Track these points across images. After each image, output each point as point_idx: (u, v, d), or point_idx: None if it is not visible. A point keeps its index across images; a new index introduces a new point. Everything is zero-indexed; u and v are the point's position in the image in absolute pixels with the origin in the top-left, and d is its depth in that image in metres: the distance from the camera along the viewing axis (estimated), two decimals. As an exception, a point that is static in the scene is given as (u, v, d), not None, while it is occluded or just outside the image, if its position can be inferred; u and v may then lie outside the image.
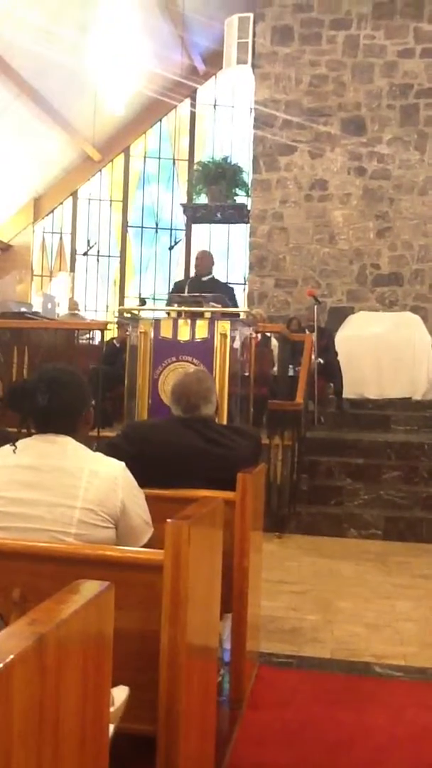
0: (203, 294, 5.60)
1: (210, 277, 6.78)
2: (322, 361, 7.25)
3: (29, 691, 0.86)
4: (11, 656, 0.81)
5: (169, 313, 5.51)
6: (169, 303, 5.86)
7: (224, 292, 6.23)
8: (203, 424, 2.66)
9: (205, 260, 6.78)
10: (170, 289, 7.43)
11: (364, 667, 3.04)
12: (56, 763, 0.96)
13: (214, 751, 1.93)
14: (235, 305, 6.55)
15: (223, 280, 8.37)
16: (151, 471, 2.29)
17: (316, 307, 7.32)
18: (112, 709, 1.36)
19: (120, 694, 1.51)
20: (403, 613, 3.76)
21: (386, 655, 3.16)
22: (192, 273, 7.04)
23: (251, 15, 10.04)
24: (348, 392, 7.92)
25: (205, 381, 2.76)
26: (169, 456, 2.56)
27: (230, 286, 7.55)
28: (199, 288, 6.17)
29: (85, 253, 13.12)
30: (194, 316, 5.28)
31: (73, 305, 10.68)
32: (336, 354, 7.72)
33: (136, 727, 1.57)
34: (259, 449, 2.88)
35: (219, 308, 5.43)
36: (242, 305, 10.10)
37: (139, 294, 12.73)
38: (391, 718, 2.56)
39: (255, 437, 2.90)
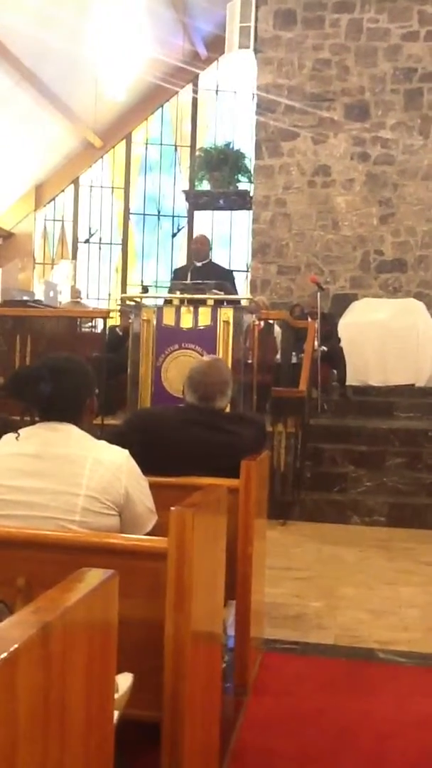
0: (207, 281, 5.59)
1: (207, 261, 6.75)
2: (325, 348, 7.23)
3: (34, 679, 0.86)
4: (16, 645, 0.81)
5: (171, 301, 5.50)
6: (171, 290, 5.84)
7: (223, 276, 6.20)
8: (210, 413, 2.66)
9: (204, 245, 6.75)
10: (171, 277, 7.41)
11: (368, 653, 3.05)
12: (62, 751, 0.96)
13: (219, 737, 1.94)
14: (235, 289, 6.52)
15: (223, 265, 8.33)
16: (156, 459, 2.29)
17: (319, 293, 7.29)
18: (116, 696, 1.37)
19: (124, 681, 1.52)
20: (407, 600, 3.76)
21: (390, 641, 3.17)
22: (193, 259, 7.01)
23: (253, -1, 9.94)
24: (351, 379, 7.91)
25: (224, 373, 2.75)
26: (174, 444, 2.56)
27: (229, 270, 7.51)
28: (198, 274, 6.15)
29: (87, 241, 13.09)
30: (197, 304, 5.27)
31: (76, 293, 10.67)
32: (339, 341, 7.70)
33: (141, 713, 1.58)
34: (263, 436, 2.87)
35: (222, 295, 5.42)
36: (245, 292, 10.08)
37: (142, 281, 12.71)
38: (396, 704, 2.57)
39: (259, 424, 2.90)
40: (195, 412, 2.66)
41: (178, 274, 6.80)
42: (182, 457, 2.51)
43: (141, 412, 3.01)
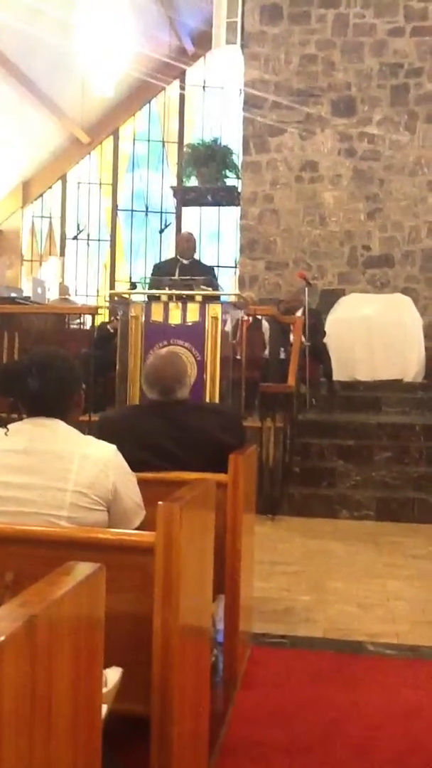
0: (194, 277, 5.59)
1: (192, 259, 6.77)
2: (309, 343, 7.23)
3: (20, 672, 0.86)
4: (1, 637, 0.81)
5: (159, 297, 5.49)
6: (153, 286, 5.84)
7: (207, 274, 6.23)
8: (172, 408, 2.67)
9: (192, 242, 6.79)
10: (152, 272, 7.36)
11: (356, 646, 3.06)
12: (48, 745, 0.96)
13: (208, 731, 1.95)
14: (216, 286, 6.55)
15: (211, 263, 8.35)
16: (135, 462, 2.27)
17: (306, 289, 7.30)
18: (105, 690, 1.37)
19: (113, 674, 1.52)
20: (395, 593, 3.79)
21: (378, 633, 3.19)
22: (178, 256, 7.01)
23: (240, -6, 9.92)
24: (339, 374, 7.92)
25: (177, 363, 2.76)
26: (141, 445, 2.54)
27: (211, 267, 7.53)
28: (184, 271, 6.16)
29: (75, 237, 13.05)
30: (185, 300, 5.27)
31: (64, 290, 10.64)
32: (324, 335, 7.70)
33: (130, 707, 1.58)
34: (232, 423, 2.82)
35: (210, 291, 5.42)
36: (233, 288, 10.07)
37: (130, 278, 12.69)
38: (384, 696, 2.59)
39: (226, 413, 2.89)
40: (157, 408, 2.67)
41: (159, 270, 6.79)
42: (150, 455, 2.50)
43: (107, 419, 2.92)
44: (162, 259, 12.56)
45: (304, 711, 2.44)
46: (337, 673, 2.78)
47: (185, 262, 6.56)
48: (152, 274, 6.99)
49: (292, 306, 7.53)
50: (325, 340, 7.71)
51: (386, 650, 3.02)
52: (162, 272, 6.54)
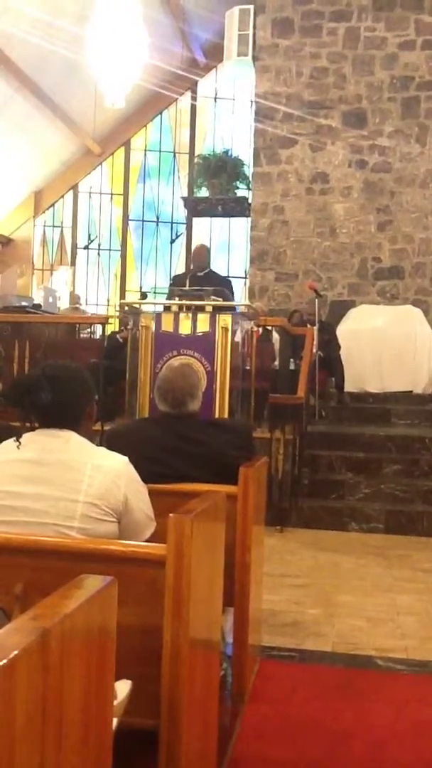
0: (205, 288, 5.60)
1: (207, 270, 6.80)
2: (321, 353, 7.23)
3: (33, 686, 0.86)
4: (15, 651, 0.81)
5: (170, 307, 5.51)
6: (170, 297, 5.87)
7: (222, 285, 6.24)
8: (181, 422, 2.66)
9: (203, 254, 6.82)
10: (170, 284, 7.46)
11: (365, 661, 3.04)
12: (60, 758, 0.96)
13: (216, 744, 1.94)
14: (233, 297, 6.56)
15: (222, 273, 8.37)
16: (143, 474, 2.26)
17: (317, 300, 7.30)
18: (115, 703, 1.36)
19: (123, 687, 1.52)
20: (405, 607, 3.76)
21: (388, 648, 3.17)
22: (192, 267, 7.05)
23: (251, 7, 9.98)
24: (349, 386, 7.92)
25: (190, 376, 2.74)
26: (146, 457, 2.52)
27: (228, 278, 7.56)
28: (198, 282, 6.18)
29: (86, 247, 13.11)
30: (195, 310, 5.28)
31: (74, 299, 10.68)
32: (339, 348, 7.70)
33: (138, 720, 1.58)
34: (244, 441, 2.80)
35: (220, 302, 5.43)
36: (243, 299, 10.09)
37: (140, 288, 12.72)
38: (393, 712, 2.57)
39: (238, 430, 2.85)
40: (166, 422, 2.66)
41: (176, 281, 6.84)
42: (156, 469, 2.48)
43: (114, 432, 2.89)
44: (172, 269, 12.63)
45: (312, 726, 2.43)
46: (345, 688, 2.76)
47: (200, 273, 6.60)
48: (170, 286, 7.05)
49: (309, 319, 7.52)
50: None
51: (395, 665, 3.00)
52: (177, 283, 6.59)
